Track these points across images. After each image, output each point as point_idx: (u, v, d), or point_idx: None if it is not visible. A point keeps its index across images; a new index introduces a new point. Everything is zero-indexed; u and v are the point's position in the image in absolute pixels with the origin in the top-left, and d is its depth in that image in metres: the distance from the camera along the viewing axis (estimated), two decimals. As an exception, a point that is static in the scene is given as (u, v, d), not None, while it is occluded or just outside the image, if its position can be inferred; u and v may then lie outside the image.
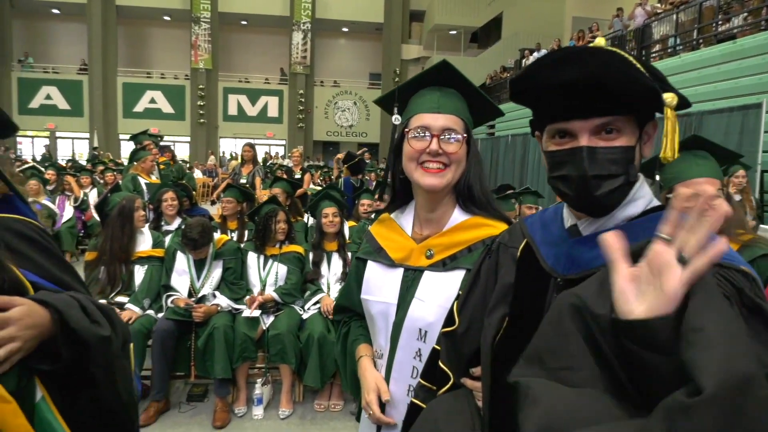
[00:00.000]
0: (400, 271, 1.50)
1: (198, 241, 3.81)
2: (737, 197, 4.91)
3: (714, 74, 9.35)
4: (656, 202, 1.02)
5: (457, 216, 1.48)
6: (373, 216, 4.53)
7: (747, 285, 0.80)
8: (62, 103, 25.80)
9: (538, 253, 1.10)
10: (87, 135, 25.18)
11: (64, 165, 12.77)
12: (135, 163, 6.74)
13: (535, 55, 17.56)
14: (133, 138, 7.47)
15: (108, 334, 1.10)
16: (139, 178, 6.69)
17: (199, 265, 4.00)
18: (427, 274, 1.45)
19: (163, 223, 5.13)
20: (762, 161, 7.02)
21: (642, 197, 1.01)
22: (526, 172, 13.97)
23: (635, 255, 0.74)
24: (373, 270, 1.56)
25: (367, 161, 10.77)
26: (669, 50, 11.48)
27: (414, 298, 1.44)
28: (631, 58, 0.90)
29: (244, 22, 27.91)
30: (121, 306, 3.73)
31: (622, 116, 0.92)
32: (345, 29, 28.58)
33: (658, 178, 2.19)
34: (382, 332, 1.52)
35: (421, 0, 26.99)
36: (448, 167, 1.40)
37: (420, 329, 1.42)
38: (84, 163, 15.73)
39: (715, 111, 8.37)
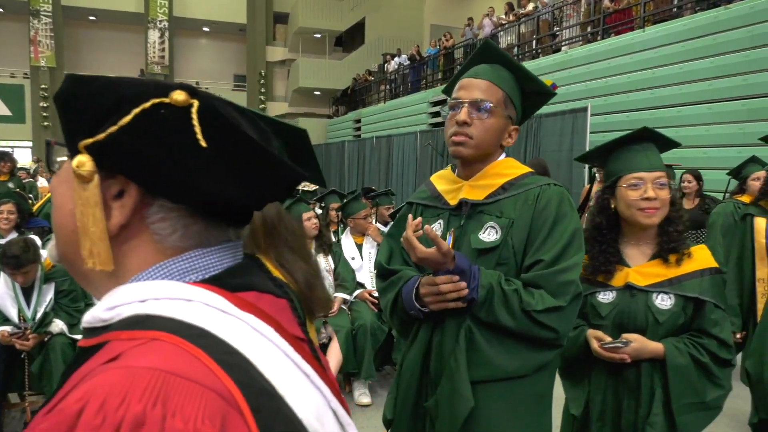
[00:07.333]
0: None
1: (20, 257, 3.30)
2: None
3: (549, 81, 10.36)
4: None
5: None
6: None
7: None
8: None
9: None
10: None
11: None
12: None
13: (396, 60, 18.21)
14: None
15: None
16: None
17: (28, 291, 3.59)
18: None
19: (-7, 238, 4.67)
20: (589, 159, 7.94)
21: None
22: (391, 172, 14.46)
23: None
24: None
25: None
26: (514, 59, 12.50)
27: None
28: None
29: (92, 18, 25.84)
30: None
31: None
32: (206, 29, 27.52)
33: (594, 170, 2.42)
34: None
35: (285, 2, 26.73)
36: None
37: None
38: None
39: (551, 114, 9.26)
